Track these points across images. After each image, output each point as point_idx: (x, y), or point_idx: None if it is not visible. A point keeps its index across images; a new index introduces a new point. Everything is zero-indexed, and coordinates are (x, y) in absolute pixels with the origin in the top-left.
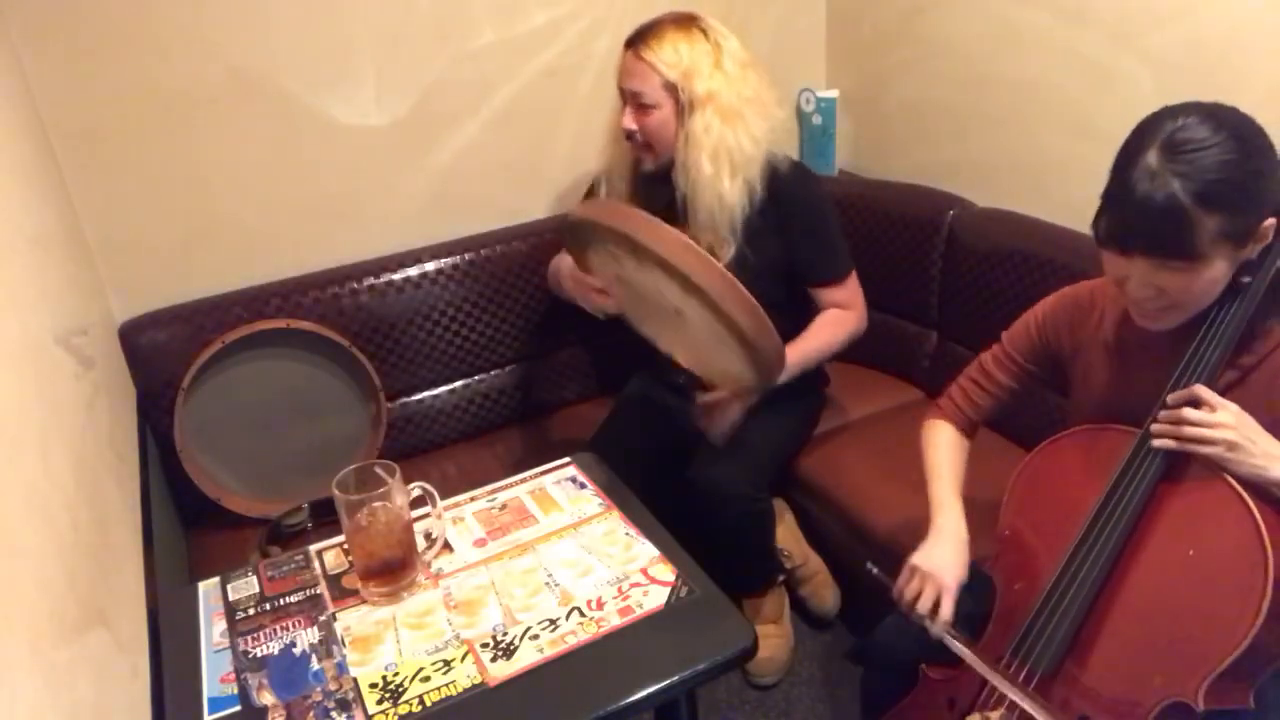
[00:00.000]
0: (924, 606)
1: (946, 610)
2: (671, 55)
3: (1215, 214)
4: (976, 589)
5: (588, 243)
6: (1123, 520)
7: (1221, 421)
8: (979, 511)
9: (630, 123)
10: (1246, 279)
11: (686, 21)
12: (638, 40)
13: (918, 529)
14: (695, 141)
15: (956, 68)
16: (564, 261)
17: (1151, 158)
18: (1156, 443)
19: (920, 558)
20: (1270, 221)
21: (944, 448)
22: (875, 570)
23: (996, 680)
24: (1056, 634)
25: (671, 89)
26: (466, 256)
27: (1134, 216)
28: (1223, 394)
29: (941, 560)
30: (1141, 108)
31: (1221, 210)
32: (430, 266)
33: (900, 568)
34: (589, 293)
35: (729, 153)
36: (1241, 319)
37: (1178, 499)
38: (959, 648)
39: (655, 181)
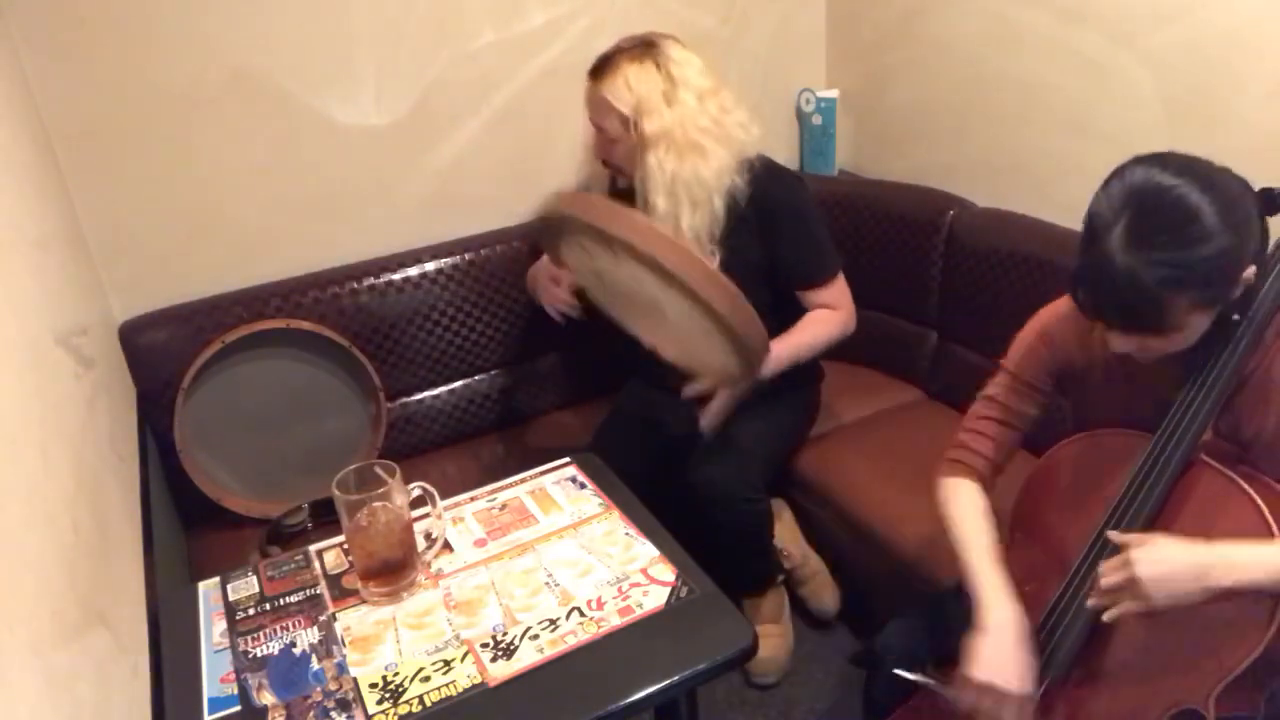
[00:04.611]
0: None
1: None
2: (623, 91)
3: (1187, 292)
4: None
5: (560, 238)
6: (1135, 525)
7: (1123, 581)
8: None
9: (599, 154)
10: (1236, 316)
11: (642, 52)
12: (595, 72)
13: (918, 529)
14: (650, 178)
15: (956, 68)
16: (542, 264)
17: (1119, 234)
18: (1090, 602)
19: (983, 669)
20: (1250, 271)
21: (973, 515)
22: (922, 679)
23: None
24: (1066, 640)
25: (626, 123)
26: (466, 256)
27: (1104, 295)
28: (1229, 401)
29: (1007, 664)
30: (1141, 107)
31: (1194, 288)
32: (430, 266)
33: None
34: (552, 290)
35: (686, 187)
36: (1241, 354)
37: (1191, 504)
38: None
39: (633, 197)
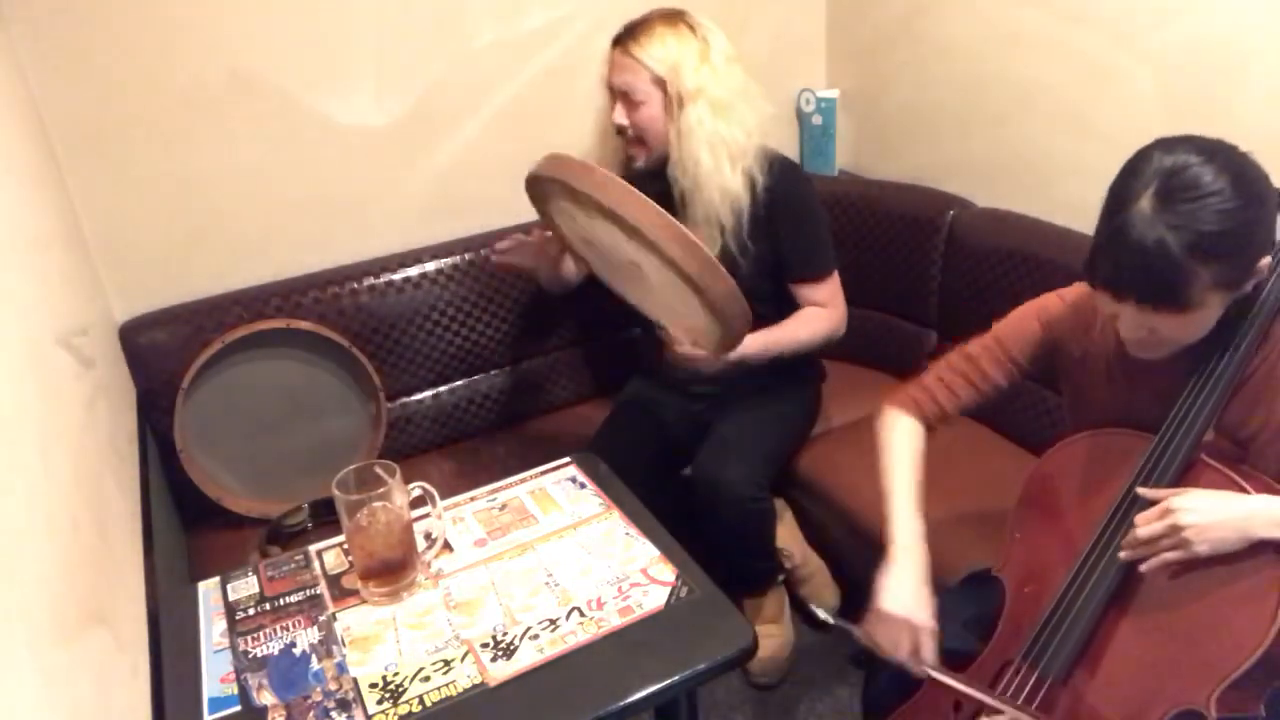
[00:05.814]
0: (904, 655)
1: (929, 654)
2: (659, 50)
3: (1210, 265)
4: (984, 592)
5: (545, 202)
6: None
7: (1165, 529)
8: (985, 516)
9: (620, 118)
10: (1247, 317)
11: (674, 18)
12: (626, 37)
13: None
14: (690, 135)
15: (956, 68)
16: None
17: (1145, 203)
18: (1123, 555)
19: (886, 601)
20: (1265, 261)
21: (906, 449)
22: (833, 619)
23: (997, 704)
24: (1068, 640)
25: (660, 83)
26: (466, 256)
27: (1126, 264)
28: (1231, 397)
29: (909, 598)
30: (1141, 108)
31: (1217, 261)
32: (430, 266)
33: (863, 611)
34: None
35: (725, 144)
36: (1244, 355)
37: None
38: (950, 682)
39: (646, 178)
